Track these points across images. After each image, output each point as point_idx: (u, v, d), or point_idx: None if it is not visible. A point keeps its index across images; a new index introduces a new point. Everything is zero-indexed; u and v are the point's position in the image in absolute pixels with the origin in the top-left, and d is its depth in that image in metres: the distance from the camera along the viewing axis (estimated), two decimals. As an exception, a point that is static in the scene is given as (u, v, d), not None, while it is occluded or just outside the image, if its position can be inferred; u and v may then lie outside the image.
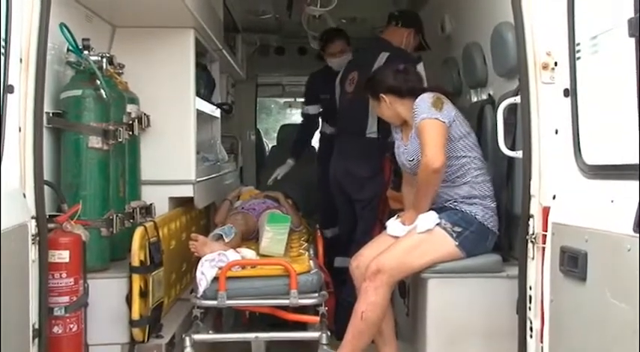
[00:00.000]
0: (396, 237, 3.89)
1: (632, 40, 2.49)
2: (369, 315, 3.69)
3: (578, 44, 2.98)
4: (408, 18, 5.21)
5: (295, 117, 10.51)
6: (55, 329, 3.33)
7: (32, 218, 3.08)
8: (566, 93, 3.06)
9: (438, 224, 3.75)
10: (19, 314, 2.98)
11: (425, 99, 3.81)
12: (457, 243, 3.73)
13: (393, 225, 3.99)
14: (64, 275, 3.34)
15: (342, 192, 5.36)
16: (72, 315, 3.38)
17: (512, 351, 3.30)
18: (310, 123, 6.56)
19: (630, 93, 2.51)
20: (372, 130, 5.14)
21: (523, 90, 3.22)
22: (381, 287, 3.69)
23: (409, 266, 3.76)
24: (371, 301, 3.69)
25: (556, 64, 3.12)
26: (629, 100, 2.52)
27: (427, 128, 3.72)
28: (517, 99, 3.34)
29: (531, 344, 3.21)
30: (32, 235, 3.06)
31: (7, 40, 2.95)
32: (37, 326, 3.10)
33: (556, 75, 3.13)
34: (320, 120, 6.50)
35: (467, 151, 3.84)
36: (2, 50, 2.94)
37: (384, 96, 4.01)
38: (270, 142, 9.51)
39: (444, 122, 3.73)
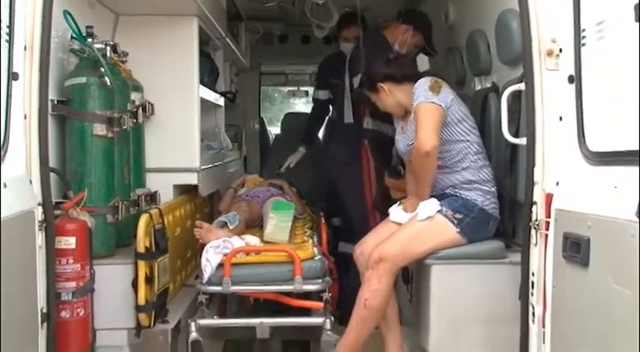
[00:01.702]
0: (399, 224, 3.91)
1: (638, 26, 2.50)
2: (373, 303, 3.71)
3: (584, 30, 2.97)
4: (410, 16, 5.19)
5: (299, 106, 10.50)
6: (63, 314, 3.37)
7: (39, 204, 3.11)
8: (570, 79, 3.06)
9: (439, 211, 3.76)
10: (28, 299, 3.02)
11: (423, 83, 3.82)
12: (458, 230, 3.74)
13: (396, 211, 4.00)
14: (70, 261, 3.38)
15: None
16: (79, 300, 3.43)
17: (515, 337, 3.30)
18: (321, 108, 6.50)
19: (634, 79, 2.52)
20: (349, 117, 5.28)
21: (527, 77, 3.21)
22: (383, 276, 3.71)
23: (411, 253, 3.77)
24: (374, 289, 3.71)
25: (561, 50, 3.11)
26: (634, 86, 2.53)
27: (423, 111, 3.73)
28: (521, 86, 3.32)
29: (534, 329, 3.22)
30: (39, 222, 3.10)
31: (11, 28, 2.98)
32: (45, 311, 3.14)
33: (561, 61, 3.11)
34: (331, 107, 6.43)
35: (465, 135, 3.85)
36: (7, 37, 2.96)
37: (382, 85, 4.03)
38: (273, 131, 9.50)
39: (440, 105, 3.73)
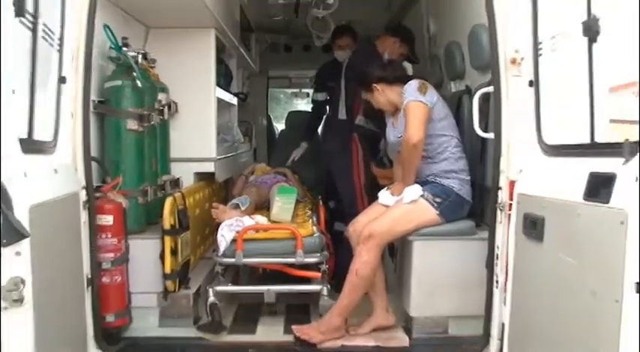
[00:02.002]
0: (386, 206, 3.93)
1: (585, 39, 2.57)
2: (362, 272, 3.72)
3: (541, 43, 3.03)
4: (398, 29, 5.21)
5: (301, 105, 10.45)
6: (104, 280, 3.42)
7: (82, 188, 3.17)
8: (530, 84, 3.11)
9: (421, 195, 3.78)
10: (76, 266, 3.09)
11: (412, 84, 3.85)
12: (438, 212, 3.75)
13: (384, 195, 4.02)
14: (109, 235, 3.42)
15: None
16: (116, 268, 3.47)
17: (481, 300, 3.38)
18: (319, 108, 6.45)
19: (582, 83, 2.59)
20: (342, 114, 5.35)
21: (495, 81, 3.25)
22: (372, 249, 3.72)
23: (397, 231, 3.78)
24: (364, 261, 3.72)
25: (522, 59, 3.15)
26: (582, 90, 2.58)
27: (412, 109, 3.75)
28: (490, 89, 3.36)
29: (497, 293, 3.29)
30: (83, 202, 3.16)
31: (61, 40, 3.03)
32: (89, 277, 3.21)
33: (522, 68, 3.15)
34: (327, 106, 6.48)
35: (446, 131, 3.86)
36: (58, 47, 3.01)
37: (376, 85, 4.04)
38: (279, 126, 9.49)
39: (426, 104, 3.76)
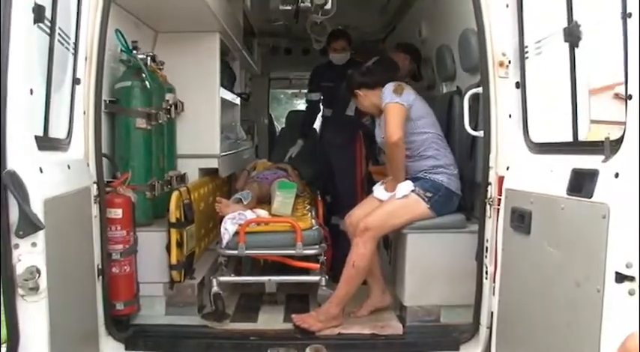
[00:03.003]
0: (380, 200, 3.95)
1: (567, 44, 2.60)
2: (359, 264, 3.74)
3: (527, 46, 3.05)
4: (408, 48, 5.22)
5: (300, 105, 10.45)
6: (114, 270, 3.43)
7: (94, 183, 3.18)
8: (517, 85, 3.13)
9: (413, 190, 3.78)
10: (88, 257, 3.11)
11: (388, 87, 3.86)
12: (429, 206, 3.76)
13: (379, 190, 4.03)
14: (118, 227, 3.42)
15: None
16: (125, 259, 3.48)
17: (472, 290, 3.40)
18: (313, 107, 6.51)
19: (565, 85, 2.61)
20: (350, 110, 5.39)
21: (484, 82, 3.26)
22: (368, 242, 3.74)
23: (390, 224, 3.80)
24: (360, 253, 3.74)
25: (510, 62, 3.16)
26: (565, 91, 2.61)
27: (388, 110, 3.77)
28: (479, 90, 3.36)
29: (486, 284, 3.31)
30: (94, 196, 3.17)
31: (76, 43, 3.05)
32: (100, 267, 3.23)
33: (509, 71, 3.17)
34: (321, 105, 6.47)
35: (427, 128, 3.86)
36: (72, 51, 3.03)
37: (358, 91, 4.06)
38: (279, 125, 9.49)
39: (402, 105, 3.76)
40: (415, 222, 3.80)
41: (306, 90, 6.95)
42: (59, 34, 2.85)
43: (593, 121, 2.56)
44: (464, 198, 3.92)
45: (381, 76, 4.07)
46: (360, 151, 5.28)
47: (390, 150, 3.79)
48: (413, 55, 5.14)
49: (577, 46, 2.56)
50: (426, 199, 3.78)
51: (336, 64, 5.94)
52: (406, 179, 3.87)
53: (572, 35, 2.56)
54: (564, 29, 2.60)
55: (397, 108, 3.78)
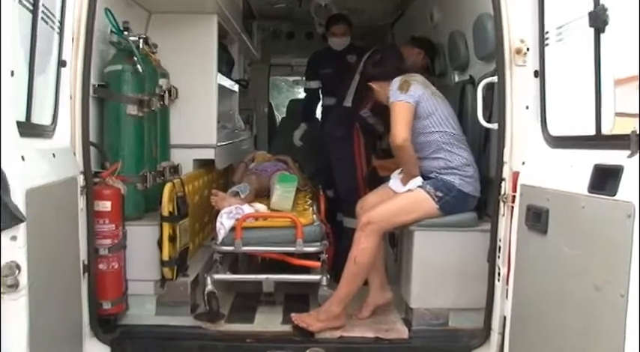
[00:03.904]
0: (395, 192, 3.94)
1: (592, 30, 2.54)
2: (361, 260, 3.72)
3: (547, 33, 3.01)
4: (422, 41, 5.18)
5: (302, 94, 10.44)
6: (101, 266, 3.40)
7: (80, 173, 3.16)
8: (535, 74, 3.09)
9: (423, 188, 3.75)
10: (73, 252, 3.08)
11: (394, 83, 3.84)
12: (438, 206, 3.72)
13: (395, 180, 4.02)
14: (106, 221, 3.40)
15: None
16: (114, 255, 3.46)
17: (483, 292, 3.38)
18: (313, 95, 6.55)
19: (589, 75, 2.56)
20: (348, 102, 5.32)
21: (499, 71, 3.24)
22: (370, 236, 3.72)
23: (395, 221, 3.79)
24: (362, 248, 3.72)
25: (528, 49, 3.13)
26: (588, 81, 2.57)
27: (393, 110, 3.76)
28: (494, 79, 3.35)
29: (498, 286, 3.28)
30: (81, 187, 3.14)
31: (62, 22, 3.02)
32: (86, 263, 3.21)
33: (528, 58, 3.14)
34: (320, 93, 6.49)
35: (437, 127, 3.81)
36: (58, 30, 2.99)
37: (372, 84, 4.08)
38: (280, 115, 9.48)
39: (408, 102, 3.74)
40: (423, 220, 3.77)
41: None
42: (43, 11, 2.81)
43: (618, 114, 2.51)
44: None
45: (392, 66, 4.04)
46: (359, 146, 5.25)
47: (398, 152, 3.78)
48: (427, 50, 5.11)
49: (603, 32, 2.51)
50: (437, 199, 3.75)
51: (335, 50, 5.90)
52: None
53: (598, 20, 2.51)
54: (590, 13, 2.55)
55: (402, 108, 3.75)
